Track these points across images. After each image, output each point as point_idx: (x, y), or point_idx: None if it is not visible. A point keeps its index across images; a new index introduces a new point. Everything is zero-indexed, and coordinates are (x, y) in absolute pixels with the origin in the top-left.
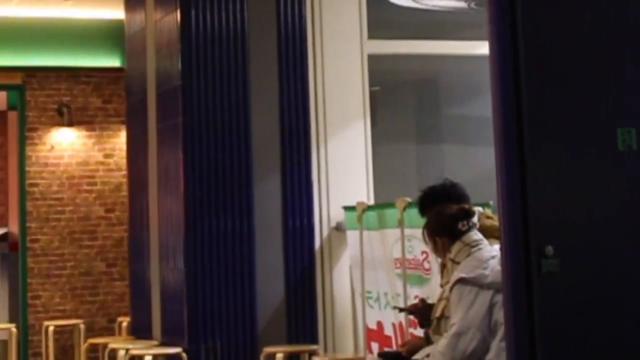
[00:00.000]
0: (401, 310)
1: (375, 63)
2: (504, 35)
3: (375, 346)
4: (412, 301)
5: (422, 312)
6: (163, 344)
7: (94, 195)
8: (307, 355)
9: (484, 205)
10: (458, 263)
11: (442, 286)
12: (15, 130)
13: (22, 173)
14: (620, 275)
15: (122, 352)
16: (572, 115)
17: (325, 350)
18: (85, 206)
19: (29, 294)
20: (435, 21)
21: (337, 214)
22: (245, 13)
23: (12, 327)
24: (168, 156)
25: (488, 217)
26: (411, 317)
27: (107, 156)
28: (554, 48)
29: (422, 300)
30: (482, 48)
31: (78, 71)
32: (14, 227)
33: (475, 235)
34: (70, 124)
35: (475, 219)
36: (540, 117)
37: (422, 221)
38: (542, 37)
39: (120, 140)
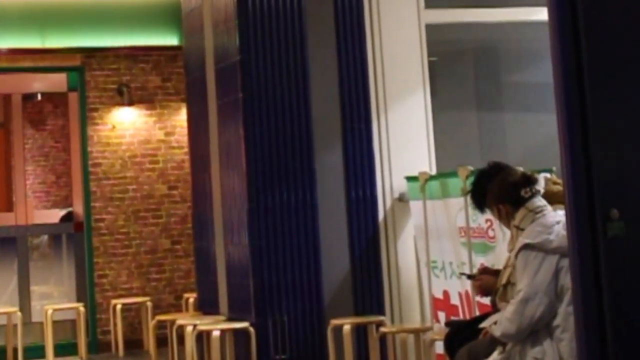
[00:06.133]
0: (468, 276)
1: (433, 32)
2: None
3: (442, 315)
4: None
5: (487, 278)
6: (230, 319)
7: (156, 173)
8: (374, 327)
9: (548, 171)
10: (522, 229)
11: (509, 252)
12: (76, 111)
13: (84, 153)
14: None
15: (189, 328)
16: (635, 77)
17: (393, 321)
18: (148, 184)
19: (96, 273)
20: None
21: (400, 185)
22: None
23: (80, 307)
24: (229, 132)
25: (555, 183)
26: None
27: (168, 134)
28: (614, 9)
29: (485, 269)
30: (541, 14)
31: (136, 51)
32: (78, 207)
33: (539, 201)
34: (130, 103)
35: (538, 186)
36: (602, 81)
37: None
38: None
39: (180, 117)
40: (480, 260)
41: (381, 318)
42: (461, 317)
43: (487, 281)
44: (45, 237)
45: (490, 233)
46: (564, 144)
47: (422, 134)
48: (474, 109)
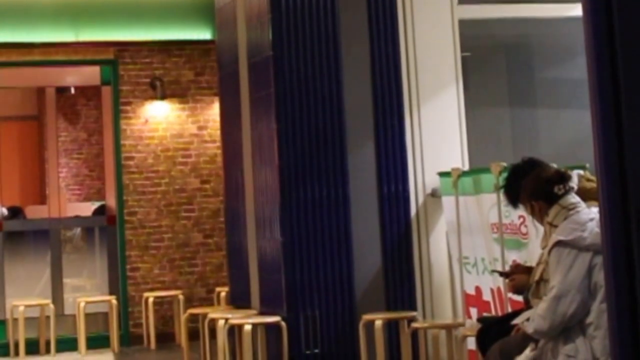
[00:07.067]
0: (501, 274)
1: (467, 28)
2: None
3: (474, 311)
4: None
5: (520, 277)
6: (262, 313)
7: (189, 167)
8: (405, 322)
9: (581, 167)
10: (556, 226)
11: (543, 249)
12: (110, 105)
13: (117, 147)
14: None
15: (221, 322)
16: None
17: (424, 316)
18: (181, 178)
19: (128, 266)
20: None
21: (432, 180)
22: None
23: (113, 299)
24: (261, 126)
25: (588, 180)
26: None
27: (200, 128)
28: None
29: (517, 266)
30: (575, 9)
31: (169, 44)
32: (111, 201)
33: (573, 198)
34: (163, 97)
35: (572, 183)
36: (637, 76)
37: None
38: None
39: (213, 112)
40: (512, 257)
41: (413, 313)
42: (493, 313)
43: (520, 280)
44: (78, 230)
45: (523, 229)
46: (598, 141)
47: (455, 129)
48: (507, 104)
